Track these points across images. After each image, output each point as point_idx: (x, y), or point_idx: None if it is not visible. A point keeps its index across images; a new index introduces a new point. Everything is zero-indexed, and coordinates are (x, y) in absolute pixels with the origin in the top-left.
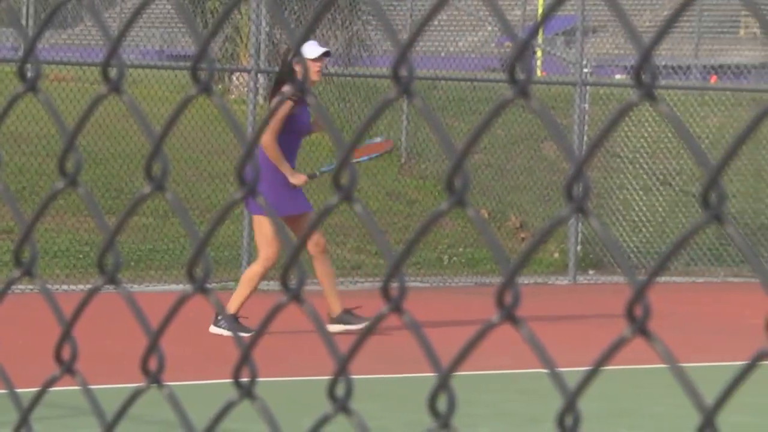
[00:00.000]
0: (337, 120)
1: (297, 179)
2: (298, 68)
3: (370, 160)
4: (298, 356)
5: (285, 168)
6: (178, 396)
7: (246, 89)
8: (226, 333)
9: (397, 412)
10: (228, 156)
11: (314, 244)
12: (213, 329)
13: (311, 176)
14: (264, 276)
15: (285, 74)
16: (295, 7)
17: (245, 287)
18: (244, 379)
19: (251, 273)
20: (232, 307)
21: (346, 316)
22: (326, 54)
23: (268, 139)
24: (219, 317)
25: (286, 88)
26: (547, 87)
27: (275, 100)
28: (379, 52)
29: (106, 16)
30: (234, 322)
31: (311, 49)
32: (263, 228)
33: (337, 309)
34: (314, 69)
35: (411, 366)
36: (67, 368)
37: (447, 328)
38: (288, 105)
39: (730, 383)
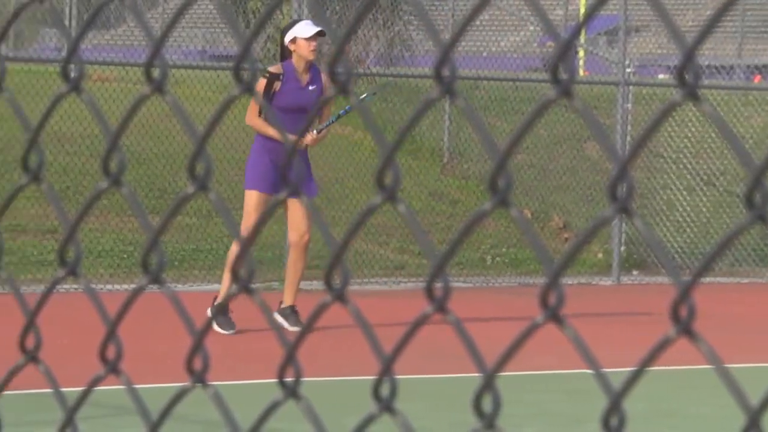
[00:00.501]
0: (379, 120)
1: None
2: (292, 47)
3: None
4: (338, 355)
5: (274, 134)
6: (223, 396)
7: None
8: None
9: (441, 412)
10: None
11: (300, 235)
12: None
13: (319, 132)
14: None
15: (281, 53)
16: (337, 7)
17: (226, 273)
18: (289, 379)
19: (230, 255)
20: (220, 297)
21: (291, 313)
22: (320, 33)
23: (247, 117)
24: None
25: (271, 68)
26: (589, 87)
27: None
28: (421, 51)
29: (148, 16)
30: (222, 315)
31: (306, 29)
32: (247, 202)
33: (288, 302)
34: (309, 48)
35: (455, 366)
36: (112, 368)
37: (490, 328)
38: (261, 83)
39: None
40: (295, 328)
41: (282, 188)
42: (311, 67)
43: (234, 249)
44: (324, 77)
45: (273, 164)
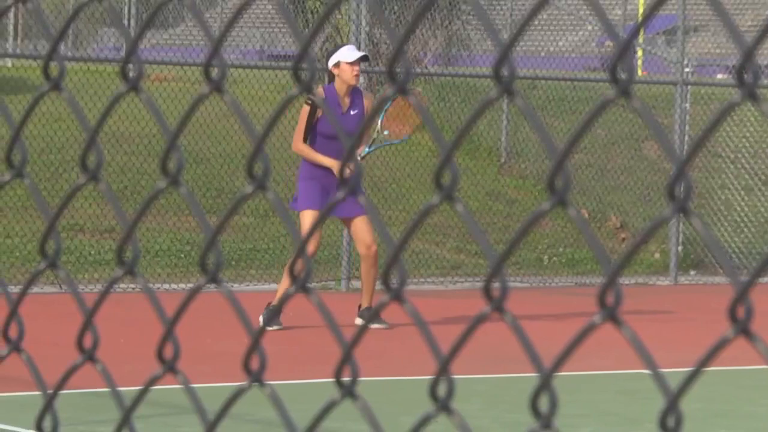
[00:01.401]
0: (437, 119)
1: (336, 165)
2: (336, 72)
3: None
4: (394, 354)
5: (323, 160)
6: (280, 395)
7: None
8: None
9: (498, 412)
10: None
11: (366, 247)
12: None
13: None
14: None
15: (328, 77)
16: (395, 7)
17: (285, 277)
18: (346, 378)
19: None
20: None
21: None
22: (364, 58)
23: (294, 144)
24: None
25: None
26: (647, 86)
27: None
28: (479, 51)
29: (207, 16)
30: (274, 315)
31: (349, 53)
32: (303, 222)
33: (365, 304)
34: (352, 72)
35: (511, 366)
36: (169, 367)
37: (547, 329)
38: (305, 110)
39: None
40: (378, 325)
41: (335, 210)
42: (353, 91)
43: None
44: (366, 101)
45: (323, 187)
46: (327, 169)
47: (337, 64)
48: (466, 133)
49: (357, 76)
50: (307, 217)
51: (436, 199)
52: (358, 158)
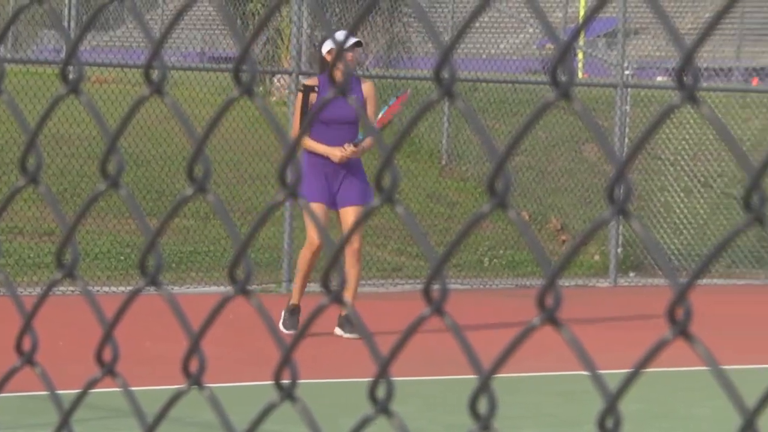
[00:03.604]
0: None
1: (334, 154)
2: (329, 58)
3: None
4: (334, 356)
5: (316, 148)
6: (219, 398)
7: (287, 91)
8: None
9: (437, 414)
10: (269, 158)
11: (348, 243)
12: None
13: (356, 144)
14: (311, 259)
15: (321, 66)
16: (336, 9)
17: (299, 277)
18: (285, 381)
19: (300, 260)
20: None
21: (346, 321)
22: (357, 44)
23: (293, 132)
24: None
25: (306, 81)
26: (588, 89)
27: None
28: (420, 53)
29: (147, 18)
30: (291, 316)
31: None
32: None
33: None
34: (346, 58)
35: (450, 368)
36: (108, 370)
37: (487, 331)
38: (298, 97)
39: None
40: (351, 335)
41: (336, 199)
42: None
43: (305, 254)
44: (365, 87)
45: (326, 176)
46: (326, 157)
47: (330, 51)
48: (407, 136)
49: (351, 61)
50: (313, 210)
51: (376, 202)
52: (351, 145)
